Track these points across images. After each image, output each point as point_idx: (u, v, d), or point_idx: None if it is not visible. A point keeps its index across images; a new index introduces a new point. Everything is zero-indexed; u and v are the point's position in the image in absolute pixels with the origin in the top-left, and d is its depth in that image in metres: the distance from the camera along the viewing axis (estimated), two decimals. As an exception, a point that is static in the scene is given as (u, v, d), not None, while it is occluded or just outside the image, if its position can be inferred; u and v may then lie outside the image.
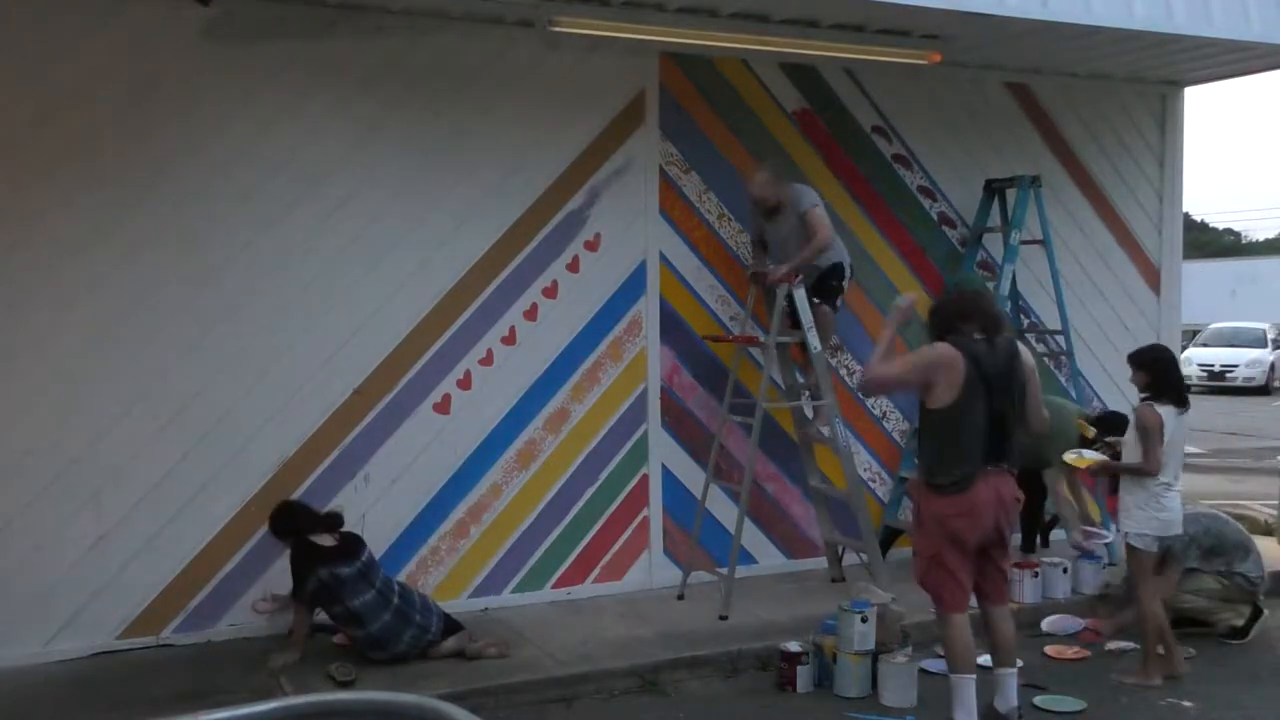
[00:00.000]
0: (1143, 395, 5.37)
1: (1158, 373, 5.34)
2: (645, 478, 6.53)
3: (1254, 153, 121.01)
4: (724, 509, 6.56)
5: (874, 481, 7.19)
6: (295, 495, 5.63)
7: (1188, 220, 26.97)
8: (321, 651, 5.32)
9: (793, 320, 6.24)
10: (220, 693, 4.82)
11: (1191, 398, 5.53)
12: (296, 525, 5.28)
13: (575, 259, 6.32)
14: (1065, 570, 6.41)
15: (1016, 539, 6.94)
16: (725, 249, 6.74)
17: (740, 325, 6.63)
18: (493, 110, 6.08)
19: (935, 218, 7.38)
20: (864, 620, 5.10)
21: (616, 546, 6.48)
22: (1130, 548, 5.33)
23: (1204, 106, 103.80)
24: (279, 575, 5.54)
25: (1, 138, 5.20)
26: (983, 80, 7.41)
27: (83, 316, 5.36)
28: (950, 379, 4.47)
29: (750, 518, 6.51)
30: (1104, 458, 5.73)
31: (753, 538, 6.73)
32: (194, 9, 5.39)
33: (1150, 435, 5.18)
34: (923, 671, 5.18)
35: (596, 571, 6.43)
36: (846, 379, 7.08)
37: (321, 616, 5.32)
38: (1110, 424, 6.39)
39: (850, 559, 6.74)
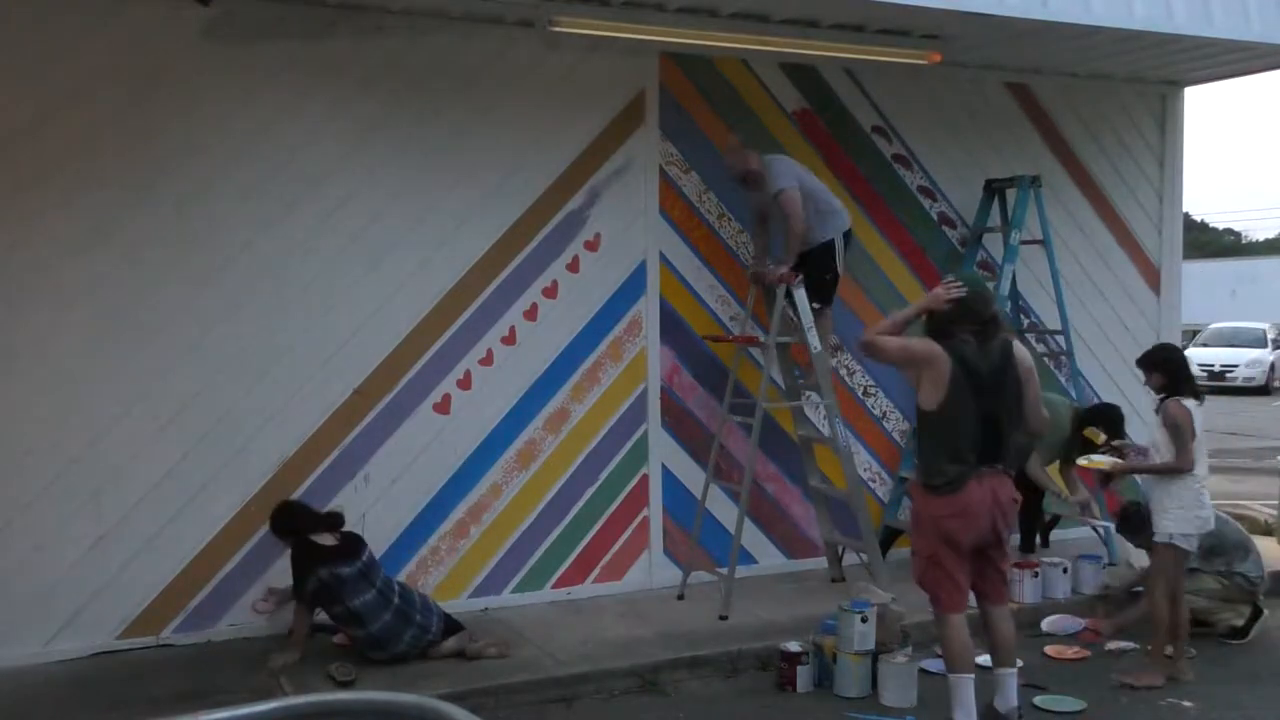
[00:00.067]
0: (1160, 395, 5.34)
1: (1171, 370, 5.33)
2: (645, 478, 6.53)
3: (1254, 153, 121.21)
4: (724, 509, 6.56)
5: (874, 481, 7.20)
6: (295, 495, 5.64)
7: (1188, 220, 26.96)
8: (321, 651, 5.32)
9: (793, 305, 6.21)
10: (220, 693, 4.82)
11: (1196, 396, 5.52)
12: (297, 525, 5.28)
13: (575, 259, 6.32)
14: (1065, 570, 6.41)
15: (1016, 539, 6.95)
16: (725, 249, 6.74)
17: (740, 325, 6.63)
18: (493, 110, 6.08)
19: (935, 218, 7.39)
20: (864, 620, 5.10)
21: (616, 546, 6.48)
22: (1169, 548, 5.23)
23: (1204, 106, 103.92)
24: (279, 575, 5.54)
25: (1, 138, 5.20)
26: (983, 80, 7.41)
27: (83, 316, 5.36)
28: (934, 378, 4.49)
29: (750, 518, 6.51)
30: (1115, 460, 5.66)
31: (753, 538, 6.73)
32: (194, 9, 5.39)
33: (1183, 432, 5.14)
34: (923, 671, 5.18)
35: (596, 571, 6.43)
36: (846, 379, 7.08)
37: (321, 616, 5.32)
38: (1107, 418, 6.39)
39: (850, 559, 6.74)
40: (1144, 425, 7.62)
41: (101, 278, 5.38)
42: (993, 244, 7.40)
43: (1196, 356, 22.17)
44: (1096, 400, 7.36)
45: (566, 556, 6.35)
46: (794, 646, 5.22)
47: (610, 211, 6.39)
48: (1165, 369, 5.34)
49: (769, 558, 6.89)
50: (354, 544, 5.32)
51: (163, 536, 5.50)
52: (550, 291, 6.27)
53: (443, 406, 6.04)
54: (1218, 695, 5.09)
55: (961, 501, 4.47)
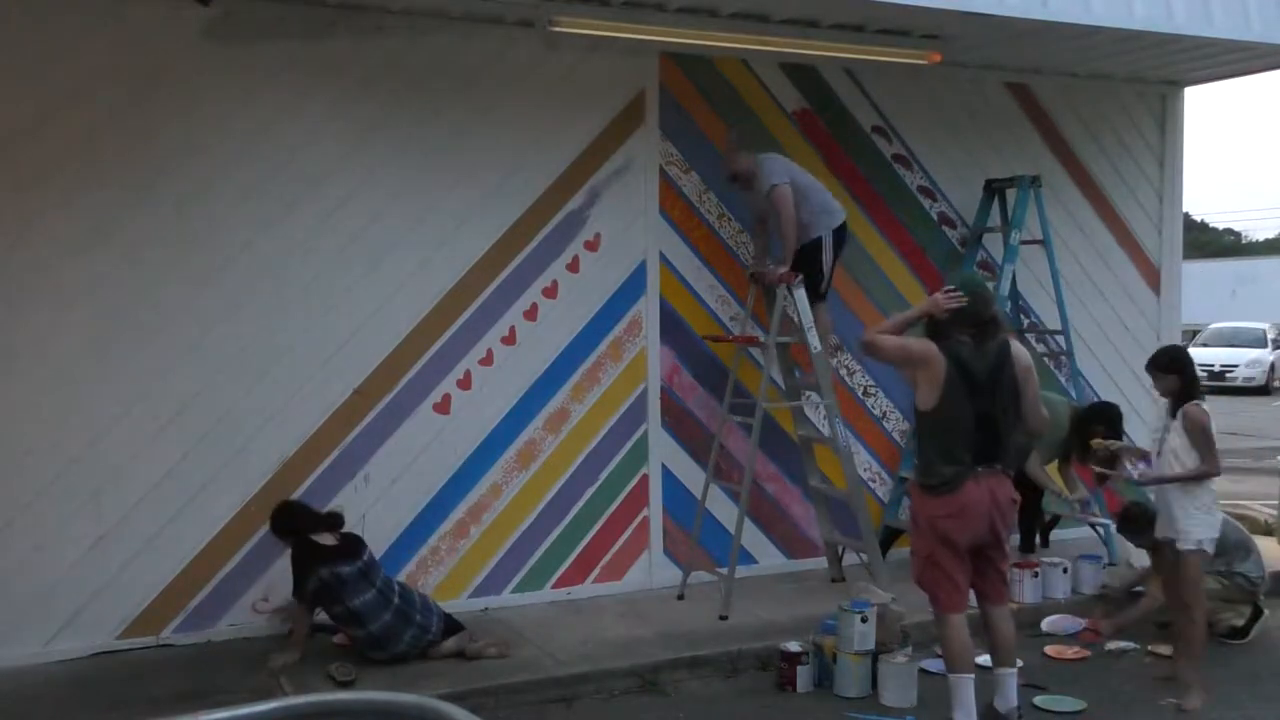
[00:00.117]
0: (1172, 399, 5.15)
1: (1189, 373, 5.16)
2: (645, 478, 6.53)
3: (1254, 153, 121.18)
4: (724, 509, 6.56)
5: (874, 481, 7.19)
6: (295, 495, 5.64)
7: (1188, 220, 26.97)
8: (321, 651, 5.32)
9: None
10: (220, 693, 4.82)
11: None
12: (297, 525, 5.28)
13: (575, 259, 6.32)
14: (1065, 570, 6.41)
15: (1015, 539, 6.95)
16: (725, 249, 6.73)
17: (740, 325, 6.63)
18: (493, 110, 6.08)
19: (935, 218, 7.38)
20: (864, 620, 5.10)
21: (616, 546, 6.48)
22: (1199, 554, 5.06)
23: (1204, 106, 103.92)
24: (279, 575, 5.55)
25: (1, 138, 5.20)
26: (983, 80, 7.41)
27: (83, 316, 5.36)
28: (930, 378, 4.50)
29: (750, 518, 6.51)
30: (1136, 470, 5.37)
31: (753, 538, 6.73)
32: (194, 9, 5.40)
33: (1210, 436, 5.00)
34: (923, 671, 5.17)
35: (596, 571, 6.43)
36: (846, 379, 7.08)
37: (322, 616, 5.31)
38: (1106, 417, 6.38)
39: (850, 559, 6.74)
40: (1142, 424, 7.65)
41: (101, 278, 5.38)
42: (993, 244, 7.40)
43: (1196, 356, 22.01)
44: (1096, 400, 7.36)
45: (566, 556, 6.35)
46: (794, 646, 5.22)
47: (610, 211, 6.39)
48: (1181, 370, 5.15)
49: (769, 558, 6.89)
50: (354, 544, 5.32)
51: (163, 536, 5.50)
52: (550, 291, 6.27)
53: (443, 406, 6.04)
54: (1218, 695, 5.09)
55: (959, 502, 4.47)
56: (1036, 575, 6.30)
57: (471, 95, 6.04)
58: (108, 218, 5.38)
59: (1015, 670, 4.72)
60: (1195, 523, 5.03)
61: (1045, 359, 7.52)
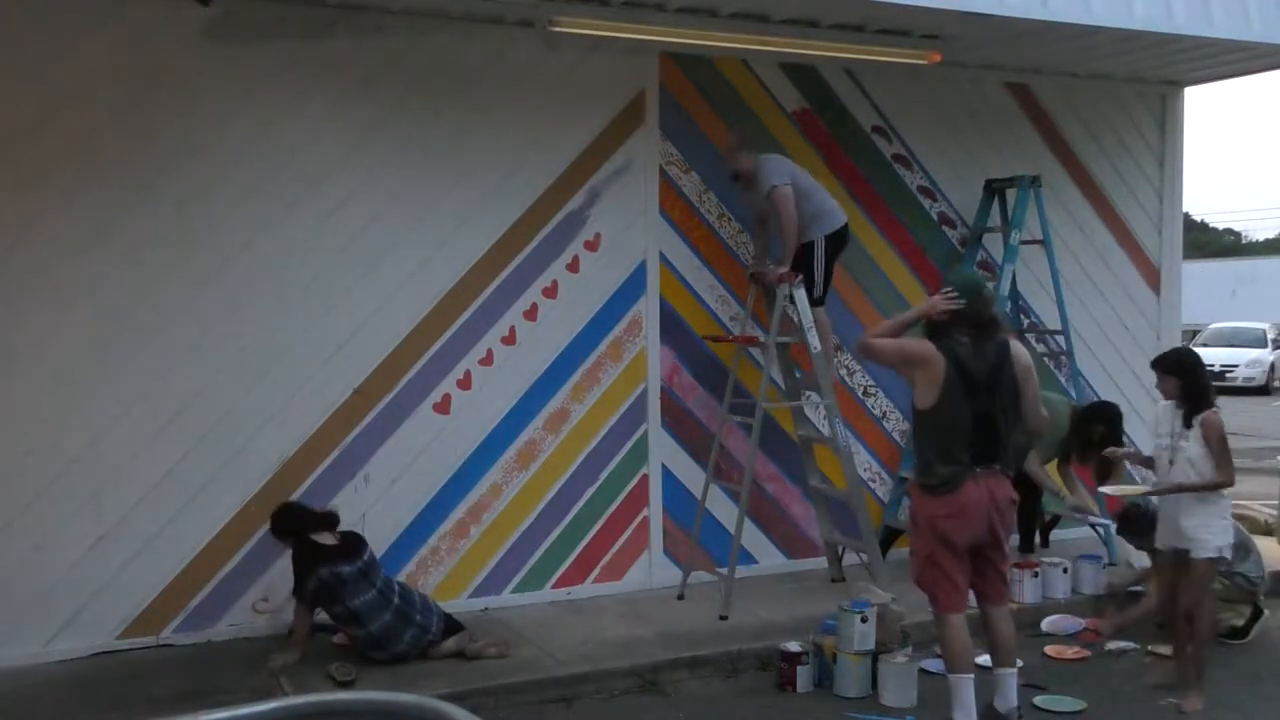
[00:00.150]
0: (1180, 403, 5.01)
1: (1187, 377, 5.00)
2: (645, 478, 6.53)
3: (1254, 153, 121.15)
4: (724, 509, 6.56)
5: (874, 481, 7.19)
6: (295, 495, 5.64)
7: (1188, 220, 26.96)
8: (321, 651, 5.32)
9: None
10: (220, 693, 4.82)
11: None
12: (297, 525, 5.29)
13: (575, 259, 6.32)
14: (1065, 570, 6.41)
15: (1015, 539, 6.95)
16: (725, 249, 6.73)
17: (740, 325, 6.63)
18: (493, 110, 6.08)
19: (935, 218, 7.38)
20: (864, 620, 5.10)
21: (616, 546, 6.48)
22: (1214, 562, 5.03)
23: (1204, 106, 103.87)
24: (279, 575, 5.55)
25: (1, 138, 5.20)
26: (983, 80, 7.41)
27: (83, 316, 5.36)
28: (927, 378, 4.50)
29: (750, 518, 6.51)
30: (1145, 487, 5.27)
31: (753, 538, 6.73)
32: (194, 9, 5.39)
33: (1226, 443, 4.90)
34: (923, 671, 5.18)
35: (596, 571, 6.43)
36: (846, 379, 7.08)
37: (322, 616, 5.31)
38: (1106, 416, 6.37)
39: (850, 559, 6.74)
40: (1142, 424, 7.63)
41: (101, 278, 5.38)
42: (993, 244, 7.40)
43: (1196, 356, 22.16)
44: (1096, 399, 7.36)
45: (566, 556, 6.35)
46: (794, 646, 5.22)
47: (610, 211, 6.38)
48: (1184, 376, 4.99)
49: (769, 558, 6.89)
50: (354, 544, 5.32)
51: (163, 536, 5.50)
52: (550, 291, 6.27)
53: (443, 406, 6.04)
54: (1218, 695, 5.09)
55: (958, 502, 4.48)
56: (1036, 575, 6.30)
57: (471, 95, 6.04)
58: (108, 218, 5.38)
59: (1015, 670, 4.72)
60: (1213, 531, 4.94)
61: (1045, 359, 7.52)
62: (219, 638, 5.60)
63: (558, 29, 5.75)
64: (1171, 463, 5.01)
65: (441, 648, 5.28)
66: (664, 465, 6.57)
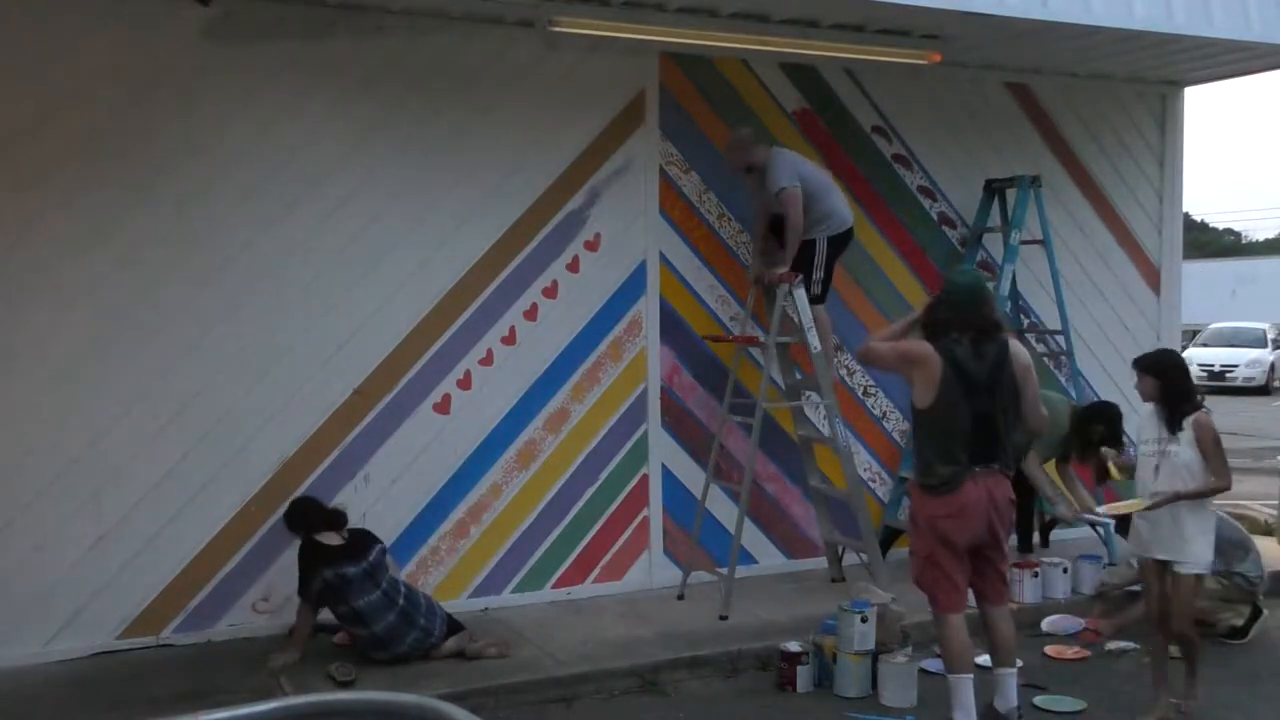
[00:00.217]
0: (1160, 405, 4.75)
1: (1165, 377, 4.75)
2: (645, 478, 6.53)
3: (1254, 153, 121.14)
4: (724, 509, 6.56)
5: (874, 481, 7.19)
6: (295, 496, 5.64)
7: (1188, 220, 26.96)
8: (321, 651, 5.32)
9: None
10: (220, 693, 4.82)
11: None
12: (303, 523, 5.29)
13: (575, 259, 6.32)
14: (1065, 570, 6.41)
15: (1013, 540, 6.95)
16: (725, 249, 6.73)
17: (740, 325, 6.63)
18: (493, 110, 6.08)
19: (935, 218, 7.39)
20: (864, 620, 5.11)
21: (616, 546, 6.48)
22: (1201, 577, 4.77)
23: (1204, 106, 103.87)
24: (279, 575, 5.56)
25: (1, 138, 5.20)
26: (983, 80, 7.41)
27: (83, 316, 5.36)
28: (925, 378, 4.51)
29: (750, 518, 6.51)
30: (1145, 500, 4.81)
31: (753, 538, 6.73)
32: (194, 9, 5.40)
33: (1220, 445, 4.64)
34: (923, 671, 5.17)
35: (596, 571, 6.43)
36: (846, 379, 7.08)
37: (324, 615, 5.31)
38: (1106, 416, 6.37)
39: (850, 559, 6.74)
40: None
41: (101, 278, 5.38)
42: (993, 244, 7.40)
43: (1197, 356, 22.22)
44: (1096, 399, 7.36)
45: (566, 556, 6.35)
46: (794, 646, 5.22)
47: (610, 211, 6.39)
48: (1161, 377, 4.75)
49: (769, 558, 6.89)
50: (360, 543, 5.31)
51: (163, 536, 5.50)
52: (550, 291, 6.27)
53: (443, 406, 6.04)
54: (1218, 695, 5.09)
55: (957, 502, 4.48)
56: (1036, 575, 6.30)
57: (471, 95, 6.04)
58: (108, 218, 5.38)
59: (1015, 670, 4.72)
60: (1200, 545, 4.68)
61: (1045, 359, 7.52)
62: (219, 638, 5.60)
63: (558, 29, 5.75)
64: (1158, 469, 4.71)
65: (442, 648, 5.28)
66: (664, 465, 6.57)
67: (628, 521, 6.49)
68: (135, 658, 5.37)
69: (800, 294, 6.17)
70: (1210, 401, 5.05)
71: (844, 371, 7.07)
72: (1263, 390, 21.96)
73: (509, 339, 6.18)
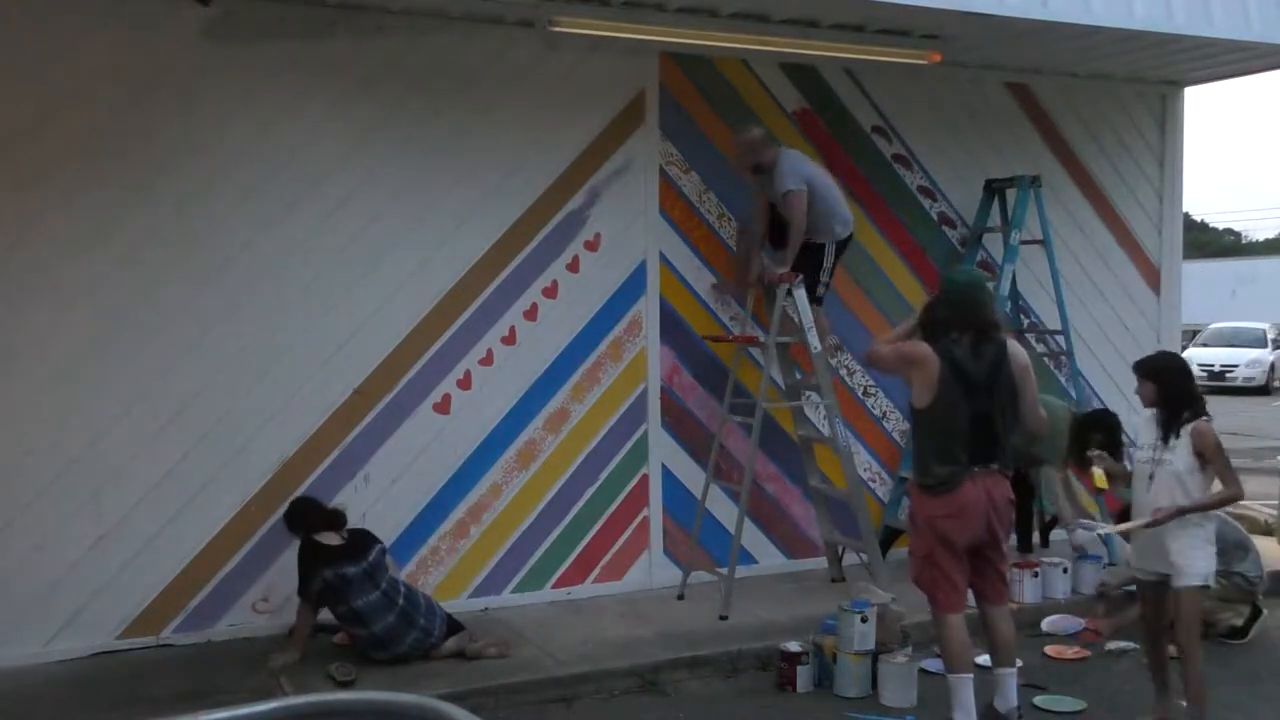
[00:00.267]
0: (1159, 411, 4.57)
1: (1164, 381, 4.57)
2: (645, 478, 6.53)
3: (1254, 153, 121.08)
4: (724, 509, 6.56)
5: (874, 481, 7.19)
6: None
7: (1188, 220, 26.96)
8: (321, 651, 5.32)
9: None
10: (220, 693, 4.82)
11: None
12: (302, 524, 5.29)
13: (575, 259, 6.32)
14: (1065, 570, 6.41)
15: (1013, 540, 6.94)
16: (725, 249, 6.73)
17: (740, 325, 6.63)
18: (493, 110, 6.08)
19: (935, 218, 7.38)
20: (864, 620, 5.11)
21: (616, 546, 6.48)
22: (1202, 590, 4.56)
23: (1204, 106, 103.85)
24: (279, 575, 5.56)
25: (1, 138, 5.19)
26: (983, 80, 7.41)
27: (83, 316, 5.36)
28: (923, 378, 4.52)
29: (750, 518, 6.51)
30: (1147, 519, 4.62)
31: (753, 538, 6.73)
32: (194, 9, 5.40)
33: (1224, 454, 4.44)
34: (923, 671, 5.18)
35: (596, 571, 6.43)
36: (846, 379, 7.08)
37: (324, 615, 5.31)
38: (1105, 424, 6.36)
39: (850, 559, 6.74)
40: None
41: (101, 278, 5.38)
42: (993, 244, 7.40)
43: (1197, 356, 22.22)
44: (1096, 401, 7.36)
45: (566, 556, 6.35)
46: (794, 646, 5.22)
47: (610, 211, 6.38)
48: (1159, 381, 4.57)
49: (769, 558, 6.89)
50: (360, 543, 5.31)
51: (163, 536, 5.50)
52: (550, 291, 6.27)
53: (443, 406, 6.04)
54: (1218, 695, 5.07)
55: (957, 502, 4.48)
56: (1036, 575, 6.30)
57: (471, 95, 6.04)
58: (108, 218, 5.38)
59: (1015, 670, 4.72)
60: (1202, 556, 4.48)
61: (1045, 359, 7.52)
62: (219, 638, 5.60)
63: (558, 29, 5.76)
64: (1152, 478, 4.52)
65: (442, 648, 5.28)
66: (664, 465, 6.57)
67: (628, 521, 6.49)
68: (135, 658, 5.37)
69: (800, 294, 6.17)
70: (1210, 401, 4.87)
71: (844, 371, 7.07)
72: (1263, 390, 21.96)
73: (509, 339, 6.18)
